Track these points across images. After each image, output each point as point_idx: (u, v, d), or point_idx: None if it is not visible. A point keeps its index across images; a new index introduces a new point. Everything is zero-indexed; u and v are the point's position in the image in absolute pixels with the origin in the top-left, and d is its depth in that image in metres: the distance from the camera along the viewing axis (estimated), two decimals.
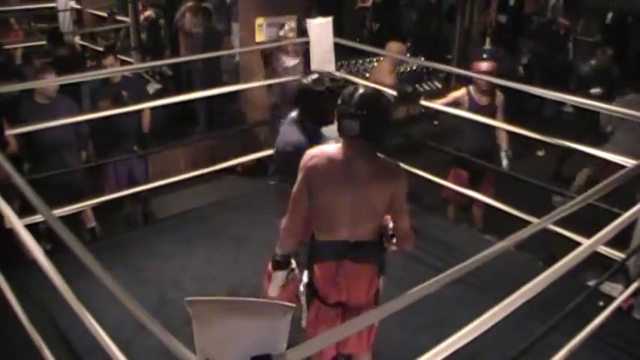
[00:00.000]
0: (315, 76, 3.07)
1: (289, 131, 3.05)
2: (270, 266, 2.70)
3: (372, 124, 2.41)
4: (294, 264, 2.70)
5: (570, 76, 7.05)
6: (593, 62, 6.55)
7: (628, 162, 3.61)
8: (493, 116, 4.86)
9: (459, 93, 5.05)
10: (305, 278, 2.68)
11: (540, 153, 7.01)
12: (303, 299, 2.68)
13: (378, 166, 2.48)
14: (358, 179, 2.43)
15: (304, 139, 2.93)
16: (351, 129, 2.40)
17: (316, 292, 2.61)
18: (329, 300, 2.58)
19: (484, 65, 4.93)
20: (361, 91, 2.46)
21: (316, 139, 2.87)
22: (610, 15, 8.76)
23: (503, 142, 4.95)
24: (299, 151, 2.61)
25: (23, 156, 4.53)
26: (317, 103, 2.98)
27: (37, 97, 4.53)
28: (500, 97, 4.98)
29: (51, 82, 4.52)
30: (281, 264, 2.66)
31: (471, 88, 4.98)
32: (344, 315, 2.58)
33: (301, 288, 2.70)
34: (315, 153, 2.51)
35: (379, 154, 2.52)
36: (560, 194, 5.30)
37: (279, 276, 2.67)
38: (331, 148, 2.52)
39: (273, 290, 2.70)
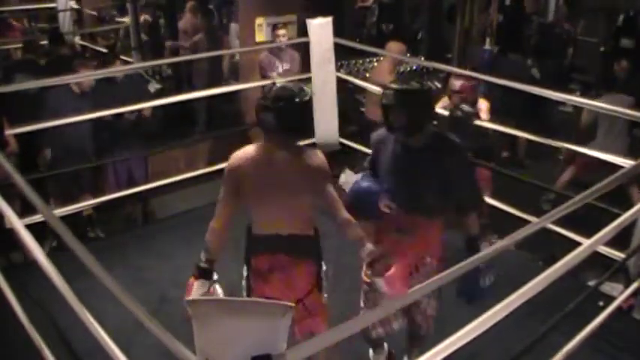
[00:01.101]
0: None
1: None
2: (191, 278, 2.58)
3: (288, 116, 2.46)
4: (215, 276, 2.62)
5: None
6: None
7: (626, 162, 3.62)
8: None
9: (443, 104, 4.92)
10: (244, 272, 2.70)
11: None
12: (243, 294, 2.68)
13: (300, 158, 2.54)
14: (283, 173, 2.50)
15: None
16: (268, 122, 2.47)
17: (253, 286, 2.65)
18: (264, 295, 2.59)
19: (457, 84, 4.78)
20: (279, 85, 2.58)
21: None
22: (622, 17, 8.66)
23: None
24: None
25: (42, 141, 4.68)
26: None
27: (74, 87, 4.68)
28: (485, 102, 4.87)
29: (50, 82, 4.55)
30: (204, 272, 2.57)
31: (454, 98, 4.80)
32: None
33: (243, 283, 2.72)
34: (239, 155, 2.57)
35: (302, 146, 2.65)
36: (547, 189, 5.31)
37: (200, 286, 2.55)
38: (253, 147, 2.58)
39: None
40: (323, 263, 2.70)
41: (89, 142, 4.82)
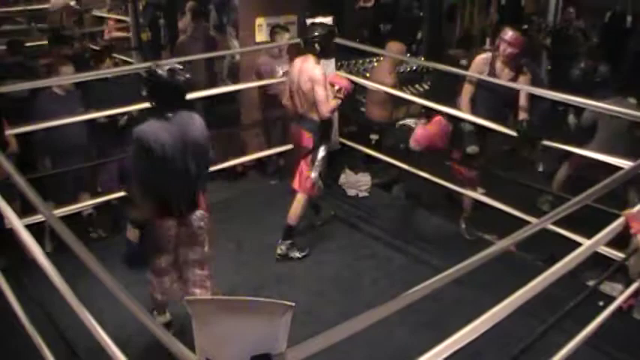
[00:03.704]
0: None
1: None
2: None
3: (317, 40, 4.32)
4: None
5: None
6: (582, 65, 6.51)
7: (625, 163, 3.62)
8: (513, 95, 4.45)
9: (481, 60, 4.62)
10: None
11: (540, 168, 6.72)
12: None
13: (308, 65, 4.27)
14: (298, 75, 4.32)
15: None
16: (306, 42, 4.40)
17: None
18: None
19: (509, 34, 4.43)
20: (316, 24, 4.58)
21: None
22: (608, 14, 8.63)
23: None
24: None
25: (39, 150, 4.62)
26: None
27: (55, 88, 4.62)
28: (526, 77, 4.53)
29: (50, 82, 4.56)
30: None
31: (502, 46, 4.49)
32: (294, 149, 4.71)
33: None
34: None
35: (311, 57, 4.31)
36: (544, 192, 5.27)
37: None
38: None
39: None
40: (322, 149, 4.39)
41: (86, 142, 4.77)
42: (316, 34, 4.35)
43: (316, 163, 4.39)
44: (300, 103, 4.38)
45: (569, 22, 8.30)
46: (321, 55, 4.37)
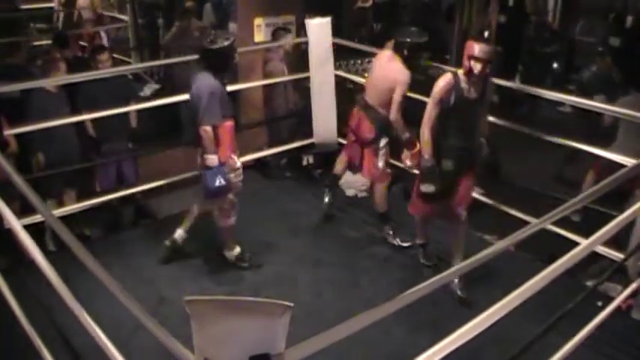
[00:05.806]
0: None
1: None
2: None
3: (407, 46, 4.26)
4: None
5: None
6: (594, 68, 6.43)
7: (628, 161, 3.61)
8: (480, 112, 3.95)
9: (444, 84, 3.77)
10: None
11: None
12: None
13: (394, 66, 4.26)
14: (378, 69, 4.44)
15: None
16: (397, 45, 4.30)
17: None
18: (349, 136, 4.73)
19: (478, 48, 3.63)
20: (410, 30, 4.40)
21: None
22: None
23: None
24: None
25: (34, 146, 4.61)
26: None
27: (49, 87, 4.67)
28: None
29: (51, 82, 4.56)
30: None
31: (460, 76, 3.76)
32: (356, 142, 4.60)
33: None
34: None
35: (398, 59, 4.27)
36: (561, 199, 5.14)
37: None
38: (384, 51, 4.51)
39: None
40: (383, 140, 4.46)
41: (76, 143, 4.81)
42: (408, 40, 4.26)
43: (380, 152, 4.49)
44: (370, 94, 4.40)
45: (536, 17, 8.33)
46: (406, 61, 4.25)
